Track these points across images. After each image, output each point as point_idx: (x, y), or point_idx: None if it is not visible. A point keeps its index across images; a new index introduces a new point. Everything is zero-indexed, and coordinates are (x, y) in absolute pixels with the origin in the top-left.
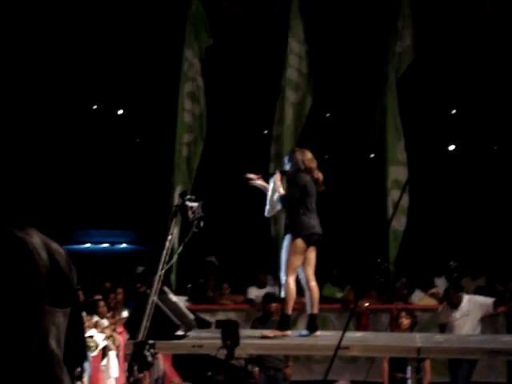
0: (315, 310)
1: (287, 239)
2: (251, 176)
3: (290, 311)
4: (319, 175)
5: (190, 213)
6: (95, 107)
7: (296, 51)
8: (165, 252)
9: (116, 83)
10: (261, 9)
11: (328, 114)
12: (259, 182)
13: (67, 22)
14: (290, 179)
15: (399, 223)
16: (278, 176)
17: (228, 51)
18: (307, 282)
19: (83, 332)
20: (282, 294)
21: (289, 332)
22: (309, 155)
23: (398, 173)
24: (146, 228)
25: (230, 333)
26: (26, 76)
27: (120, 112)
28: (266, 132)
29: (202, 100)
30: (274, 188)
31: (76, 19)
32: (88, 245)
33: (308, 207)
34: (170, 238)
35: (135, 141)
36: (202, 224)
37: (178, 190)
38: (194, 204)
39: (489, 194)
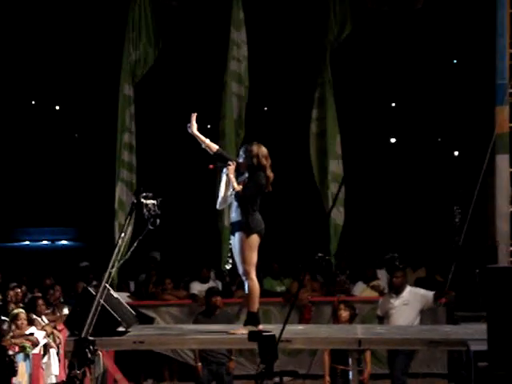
0: (256, 308)
1: (238, 236)
2: (192, 119)
3: (256, 308)
4: (271, 175)
5: (145, 210)
6: (33, 103)
7: (236, 42)
8: (116, 250)
9: (53, 78)
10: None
11: (266, 108)
12: (196, 132)
13: (5, 14)
14: (242, 172)
15: (339, 216)
16: (231, 168)
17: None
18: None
19: None
20: (246, 291)
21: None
22: (265, 152)
23: (336, 166)
24: (85, 225)
25: (267, 347)
26: None
27: (57, 107)
28: (209, 126)
29: None
30: (227, 181)
31: (15, 14)
32: (27, 242)
33: (258, 204)
34: (123, 235)
35: (74, 136)
36: (157, 222)
37: (118, 187)
38: (150, 201)
39: (428, 185)
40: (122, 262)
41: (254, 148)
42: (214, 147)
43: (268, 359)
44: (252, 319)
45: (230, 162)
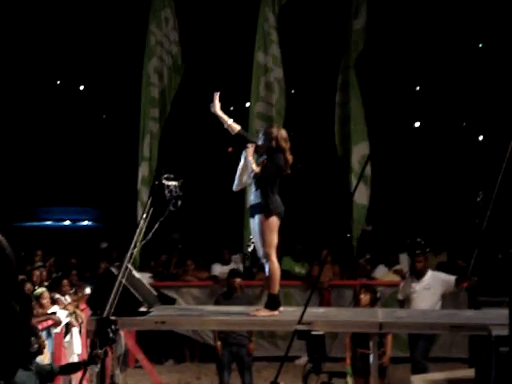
0: (277, 290)
1: (257, 219)
2: (215, 98)
3: (276, 290)
4: (290, 157)
5: (166, 192)
6: (59, 82)
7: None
8: (138, 230)
9: (78, 58)
10: None
11: (293, 91)
12: (218, 111)
13: None
14: (261, 154)
15: (364, 197)
16: (250, 151)
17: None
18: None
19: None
20: (267, 273)
21: (276, 312)
22: (284, 134)
23: (360, 150)
24: (107, 206)
25: (316, 345)
26: None
27: (81, 88)
28: (232, 109)
29: (166, 76)
30: (246, 163)
31: None
32: (49, 222)
33: (277, 186)
34: (145, 216)
35: (100, 117)
36: (179, 203)
37: (142, 167)
38: (172, 183)
39: (452, 170)
40: (143, 242)
41: (274, 130)
42: (236, 128)
43: (316, 358)
44: (272, 301)
45: (248, 145)
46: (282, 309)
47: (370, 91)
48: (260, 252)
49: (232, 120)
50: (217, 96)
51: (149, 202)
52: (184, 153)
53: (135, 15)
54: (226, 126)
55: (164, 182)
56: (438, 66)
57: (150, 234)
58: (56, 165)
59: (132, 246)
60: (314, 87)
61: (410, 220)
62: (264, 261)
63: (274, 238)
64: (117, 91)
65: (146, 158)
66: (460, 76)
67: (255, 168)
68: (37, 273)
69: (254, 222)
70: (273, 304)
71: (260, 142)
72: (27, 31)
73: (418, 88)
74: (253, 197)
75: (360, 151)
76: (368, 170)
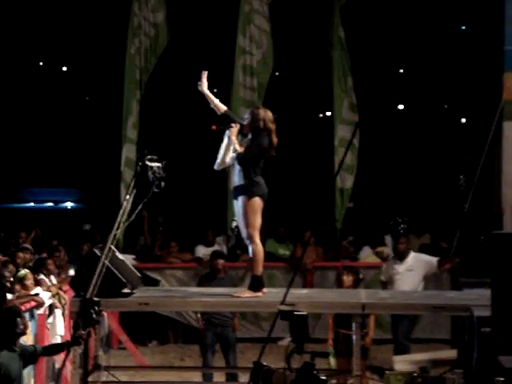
0: (260, 272)
1: (241, 200)
2: (203, 77)
3: (260, 272)
4: (275, 140)
5: (149, 173)
6: (41, 64)
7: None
8: (121, 212)
9: (61, 40)
10: None
11: (277, 73)
12: (206, 90)
13: None
14: (246, 134)
15: (345, 181)
16: (234, 130)
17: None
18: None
19: None
20: (250, 255)
21: (260, 294)
22: (270, 116)
23: (345, 131)
24: (91, 187)
25: (299, 326)
26: None
27: (64, 69)
28: (215, 90)
29: (151, 57)
30: (229, 143)
31: None
32: (32, 204)
33: (261, 168)
34: (127, 197)
35: (83, 98)
36: (162, 185)
37: (125, 148)
38: (155, 164)
39: (435, 152)
40: (126, 224)
41: (261, 111)
42: (223, 108)
43: (299, 338)
44: (256, 283)
45: (232, 124)
46: (265, 290)
47: (355, 73)
48: (243, 233)
49: (218, 100)
50: (205, 75)
51: (132, 183)
52: (167, 133)
53: None
54: (212, 106)
55: (147, 163)
56: (421, 48)
57: (134, 216)
58: (39, 146)
59: (115, 227)
60: (298, 68)
61: (393, 202)
62: (247, 242)
63: (258, 220)
64: (100, 73)
65: (129, 139)
66: (443, 58)
67: (238, 148)
68: (20, 254)
69: (238, 204)
70: (256, 285)
71: (245, 122)
72: (8, 13)
73: (401, 71)
74: (236, 178)
75: (341, 132)
76: (353, 159)
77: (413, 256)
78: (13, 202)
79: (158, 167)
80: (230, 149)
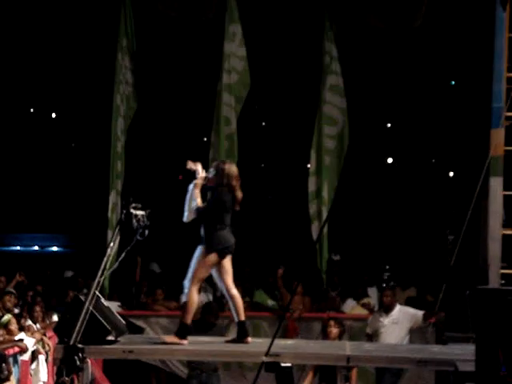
0: (242, 317)
1: (199, 250)
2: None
3: (189, 320)
4: (239, 195)
5: (134, 221)
6: (32, 110)
7: (236, 54)
8: (105, 258)
9: (52, 86)
10: (195, 13)
11: (264, 123)
12: (194, 167)
13: (4, 23)
14: (208, 187)
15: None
16: (198, 183)
17: (161, 55)
18: (228, 290)
19: None
20: (184, 299)
21: (185, 341)
22: (235, 172)
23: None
24: (77, 233)
25: (284, 377)
26: None
27: (53, 115)
28: (205, 139)
29: (132, 103)
30: (192, 195)
31: (14, 23)
32: (18, 248)
33: (224, 222)
34: (112, 244)
35: (69, 145)
36: (146, 233)
37: (112, 195)
38: (140, 212)
39: (422, 205)
40: (110, 270)
41: (226, 167)
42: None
43: None
44: (183, 330)
45: (197, 175)
46: (249, 339)
47: None
48: (186, 278)
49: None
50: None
51: (116, 230)
52: (151, 181)
53: (104, 43)
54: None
55: (132, 211)
56: (408, 103)
57: (117, 263)
58: (27, 191)
59: (99, 273)
60: (288, 119)
61: (379, 254)
62: (186, 289)
63: (203, 272)
64: (87, 119)
65: (115, 187)
66: (431, 112)
67: (198, 202)
68: (7, 298)
69: (197, 251)
70: (182, 332)
71: (210, 176)
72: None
73: (389, 125)
74: (201, 228)
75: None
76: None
77: (398, 309)
78: None
79: (143, 215)
80: (193, 200)
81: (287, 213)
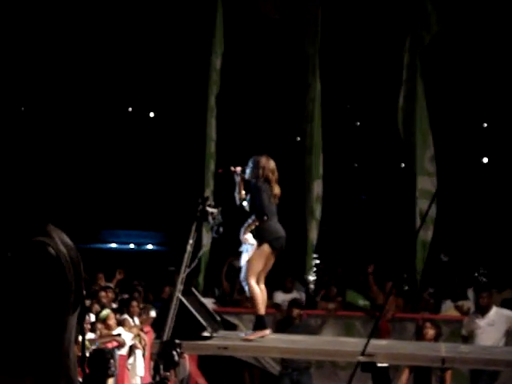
0: (262, 311)
1: (244, 246)
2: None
3: (262, 311)
4: (276, 190)
5: (210, 218)
6: (130, 109)
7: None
8: (186, 255)
9: (149, 86)
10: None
11: (358, 123)
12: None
13: (103, 26)
14: (246, 181)
15: (427, 233)
16: (238, 179)
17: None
18: (258, 283)
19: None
20: (248, 295)
21: (267, 331)
22: (272, 165)
23: (425, 183)
24: (172, 230)
25: (381, 379)
26: (63, 77)
27: (151, 114)
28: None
29: None
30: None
31: (110, 24)
32: (114, 245)
33: (272, 212)
34: (191, 241)
35: (166, 143)
36: (221, 230)
37: (207, 193)
38: (214, 210)
39: None
40: (191, 268)
41: (263, 159)
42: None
43: None
44: (259, 323)
45: (235, 170)
46: (267, 331)
47: (436, 125)
48: (242, 273)
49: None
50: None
51: (193, 227)
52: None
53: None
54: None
55: (207, 208)
56: (504, 102)
57: (196, 260)
58: (122, 188)
59: (181, 270)
60: (379, 119)
61: (476, 256)
62: (244, 283)
63: (258, 264)
64: (183, 119)
65: (209, 185)
66: None
67: (243, 195)
68: (103, 294)
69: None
70: (259, 325)
71: (248, 170)
72: (98, 59)
73: (485, 125)
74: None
75: (423, 185)
76: (433, 210)
77: (495, 311)
78: (95, 243)
79: (217, 212)
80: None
81: (387, 213)
